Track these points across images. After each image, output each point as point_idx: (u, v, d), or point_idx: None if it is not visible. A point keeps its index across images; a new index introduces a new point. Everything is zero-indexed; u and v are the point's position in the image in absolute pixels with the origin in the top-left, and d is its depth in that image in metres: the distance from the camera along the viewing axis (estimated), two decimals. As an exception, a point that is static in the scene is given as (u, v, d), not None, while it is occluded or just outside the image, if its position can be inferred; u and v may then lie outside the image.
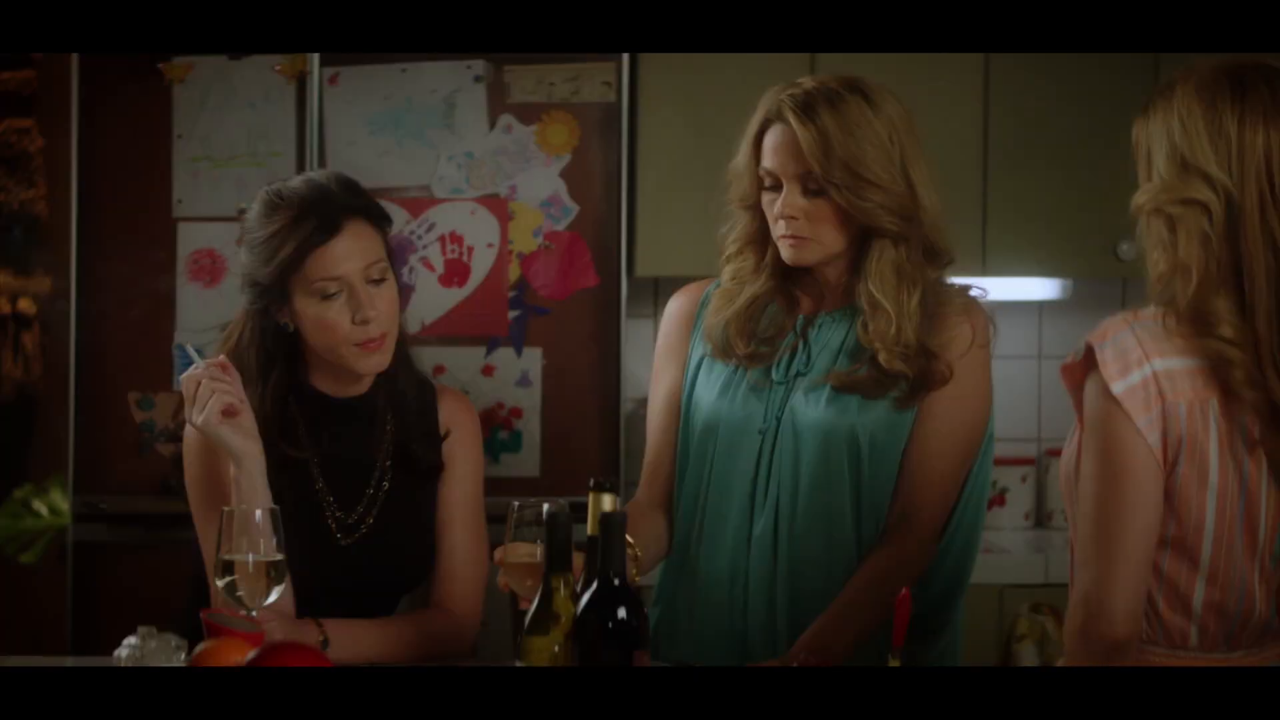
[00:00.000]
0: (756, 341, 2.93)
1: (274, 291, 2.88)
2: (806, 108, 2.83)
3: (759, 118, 2.89)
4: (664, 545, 2.99)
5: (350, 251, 2.85)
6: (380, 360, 2.89)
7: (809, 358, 2.91)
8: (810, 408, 2.86)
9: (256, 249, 2.87)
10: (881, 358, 2.83)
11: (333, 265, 2.84)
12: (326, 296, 2.84)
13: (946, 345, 2.85)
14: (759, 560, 2.89)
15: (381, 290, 2.87)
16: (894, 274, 2.85)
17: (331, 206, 2.86)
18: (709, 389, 2.95)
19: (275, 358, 2.92)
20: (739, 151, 2.92)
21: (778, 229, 2.88)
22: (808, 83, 2.87)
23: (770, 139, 2.87)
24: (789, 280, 2.95)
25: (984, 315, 2.90)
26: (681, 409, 2.99)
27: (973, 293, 2.93)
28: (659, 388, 3.05)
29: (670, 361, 3.03)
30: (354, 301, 2.85)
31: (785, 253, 2.88)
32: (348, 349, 2.87)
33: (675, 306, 3.06)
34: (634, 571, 2.76)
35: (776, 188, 2.88)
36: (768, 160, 2.87)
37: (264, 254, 2.86)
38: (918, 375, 2.84)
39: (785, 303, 2.95)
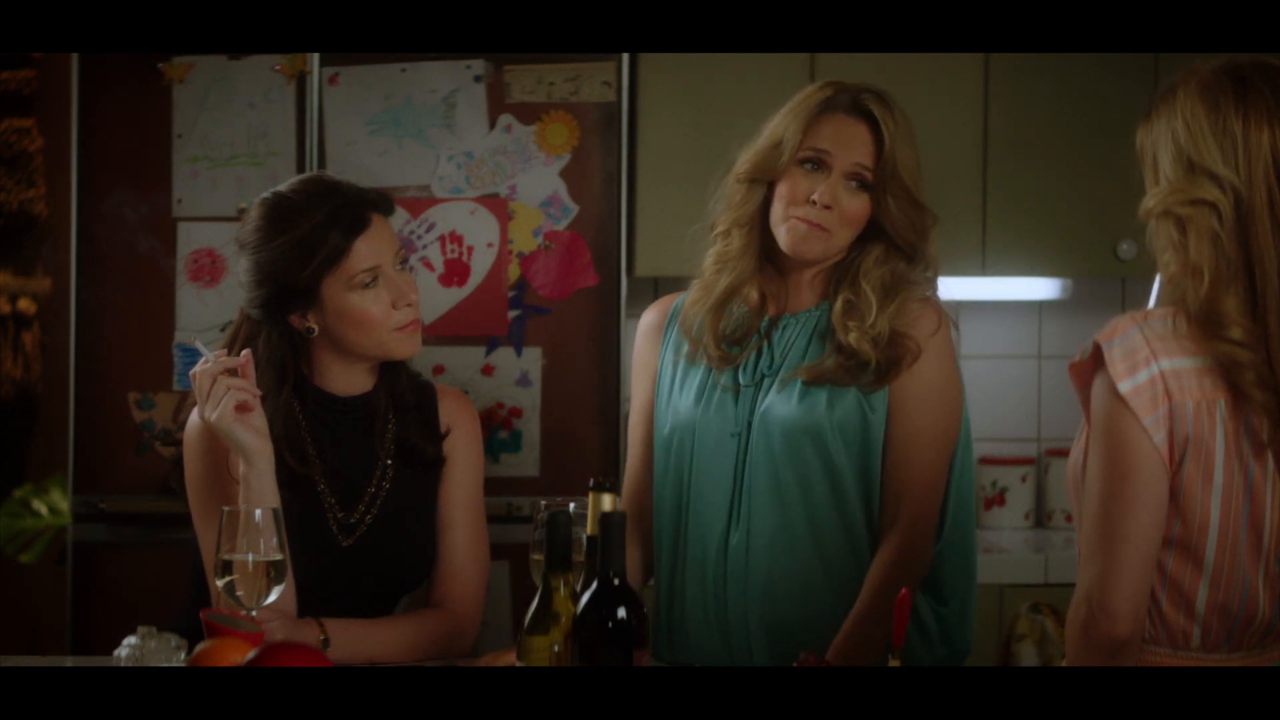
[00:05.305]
0: (725, 343, 2.93)
1: (302, 295, 2.88)
2: (883, 104, 2.86)
3: (819, 97, 2.89)
4: (638, 578, 3.01)
5: (381, 242, 2.91)
6: (418, 342, 2.95)
7: (773, 359, 2.92)
8: (780, 406, 2.87)
9: (285, 254, 2.87)
10: (852, 338, 2.83)
11: (370, 256, 2.89)
12: (365, 287, 2.88)
13: (913, 324, 2.87)
14: (735, 569, 2.90)
15: (407, 274, 2.93)
16: (886, 283, 2.87)
17: (355, 201, 2.91)
18: (684, 396, 2.96)
19: (289, 368, 2.93)
20: (781, 122, 2.90)
21: (795, 210, 2.87)
22: (867, 84, 2.90)
23: (833, 124, 2.87)
24: (762, 275, 2.94)
25: (942, 306, 2.92)
26: (655, 421, 3.00)
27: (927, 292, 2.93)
28: (634, 403, 3.07)
29: (642, 376, 3.06)
30: (393, 288, 2.90)
31: (791, 236, 2.88)
32: (388, 336, 2.91)
33: (645, 321, 3.07)
34: None
35: (817, 170, 2.88)
36: (825, 142, 2.87)
37: (296, 257, 2.87)
38: (887, 357, 2.84)
39: (752, 303, 2.95)
